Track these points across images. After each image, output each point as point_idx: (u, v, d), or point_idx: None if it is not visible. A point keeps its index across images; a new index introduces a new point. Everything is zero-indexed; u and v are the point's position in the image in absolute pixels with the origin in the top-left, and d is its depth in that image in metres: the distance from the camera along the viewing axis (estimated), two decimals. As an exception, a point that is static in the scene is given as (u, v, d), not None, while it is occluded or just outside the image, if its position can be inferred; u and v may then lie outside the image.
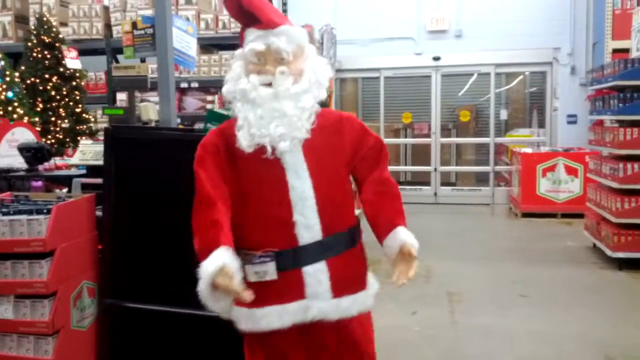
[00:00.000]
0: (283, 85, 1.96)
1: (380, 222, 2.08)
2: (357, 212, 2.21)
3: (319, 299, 1.99)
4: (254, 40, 1.99)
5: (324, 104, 2.12)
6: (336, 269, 2.01)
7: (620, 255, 5.76)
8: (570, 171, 8.54)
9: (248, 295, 1.82)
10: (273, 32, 1.99)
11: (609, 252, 5.85)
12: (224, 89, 2.06)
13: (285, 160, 1.97)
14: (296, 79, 1.99)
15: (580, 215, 7.42)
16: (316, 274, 1.99)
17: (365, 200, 2.12)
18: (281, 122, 1.94)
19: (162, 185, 2.74)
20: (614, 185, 5.82)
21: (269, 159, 1.96)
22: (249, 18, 2.01)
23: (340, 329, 2.06)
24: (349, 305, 2.04)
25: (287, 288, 1.99)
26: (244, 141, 1.95)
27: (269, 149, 1.94)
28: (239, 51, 2.08)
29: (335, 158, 2.06)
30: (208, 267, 1.81)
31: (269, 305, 1.98)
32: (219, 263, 1.81)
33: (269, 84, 1.97)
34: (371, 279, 2.18)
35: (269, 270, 1.97)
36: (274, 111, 1.95)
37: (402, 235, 2.05)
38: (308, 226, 1.97)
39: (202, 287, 1.83)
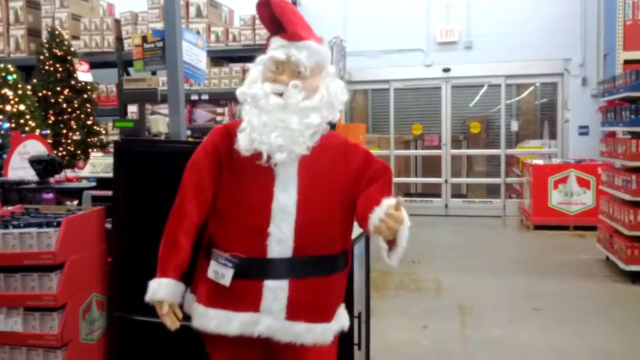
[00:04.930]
0: (293, 98, 1.96)
1: (369, 204, 1.88)
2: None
3: (270, 316, 1.96)
4: (277, 49, 2.00)
5: (332, 126, 2.11)
6: (298, 291, 1.97)
7: (634, 268, 5.69)
8: (583, 183, 8.47)
9: (173, 327, 2.00)
10: (296, 44, 1.99)
11: (622, 265, 5.79)
12: (238, 90, 2.08)
13: (278, 171, 1.97)
14: (308, 94, 1.98)
15: (592, 228, 7.34)
16: (275, 291, 1.95)
17: (359, 204, 1.99)
18: (282, 133, 1.93)
19: (171, 198, 2.73)
20: (627, 197, 5.77)
21: (263, 167, 1.96)
22: (277, 27, 2.03)
23: (295, 357, 2.02)
24: (302, 332, 1.98)
25: (244, 297, 1.98)
26: (243, 143, 1.96)
27: (265, 157, 1.93)
28: (260, 57, 2.08)
29: (333, 183, 2.02)
30: (151, 294, 2.02)
31: (222, 308, 1.99)
32: (158, 297, 2.00)
33: (280, 94, 1.97)
34: (341, 316, 2.12)
35: (226, 275, 1.97)
36: (279, 121, 1.94)
37: (387, 200, 1.83)
38: (281, 240, 1.95)
39: (147, 300, 2.04)
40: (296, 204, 1.96)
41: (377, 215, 1.82)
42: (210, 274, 2.00)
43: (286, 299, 1.96)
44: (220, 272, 1.98)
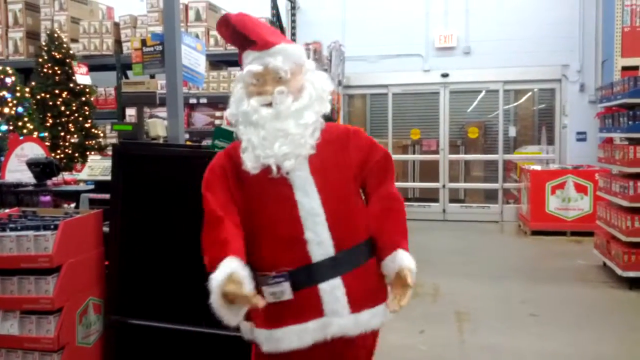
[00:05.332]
0: (283, 105, 1.97)
1: (382, 240, 2.06)
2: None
3: (337, 316, 1.98)
4: (252, 62, 2.01)
5: (329, 119, 2.12)
6: (352, 284, 2.00)
7: (631, 274, 5.69)
8: (580, 189, 8.48)
9: (260, 301, 1.82)
10: (269, 52, 2.00)
11: (619, 271, 5.79)
12: (227, 112, 2.09)
13: (292, 178, 1.97)
14: (296, 96, 1.99)
15: (590, 234, 7.35)
16: (333, 291, 1.98)
17: (370, 215, 2.10)
18: (285, 141, 1.95)
19: (169, 202, 2.73)
20: (624, 203, 5.77)
21: (276, 178, 1.96)
22: (245, 41, 2.04)
23: (358, 342, 2.05)
24: (368, 319, 2.03)
25: (305, 306, 1.98)
26: (249, 163, 1.96)
27: (275, 169, 1.94)
28: (239, 74, 2.09)
29: (343, 173, 2.05)
30: (217, 277, 1.83)
31: (288, 325, 1.97)
32: (227, 270, 1.83)
33: (269, 104, 1.98)
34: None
35: (285, 290, 1.96)
36: (277, 131, 1.95)
37: (402, 259, 2.01)
38: (320, 243, 1.97)
39: (214, 298, 1.84)
40: (321, 204, 1.98)
41: (389, 276, 2.03)
42: (269, 298, 1.96)
43: (345, 295, 1.98)
44: (278, 291, 1.96)
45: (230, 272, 1.83)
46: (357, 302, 2.00)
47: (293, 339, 1.96)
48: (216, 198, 2.01)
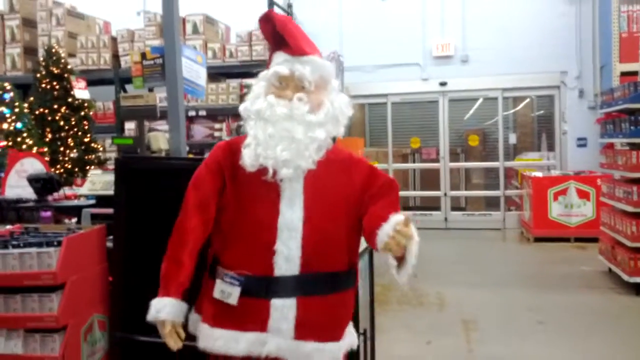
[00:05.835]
0: (299, 110, 1.95)
1: (376, 220, 1.83)
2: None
3: (279, 336, 1.92)
4: (281, 64, 1.99)
5: (334, 139, 2.09)
6: (307, 310, 1.93)
7: (637, 280, 5.65)
8: (582, 195, 8.46)
9: (175, 347, 1.96)
10: (300, 59, 1.98)
11: (625, 277, 5.75)
12: (241, 107, 2.07)
13: (284, 186, 1.95)
14: (313, 109, 1.97)
15: (593, 239, 7.32)
16: (283, 310, 1.92)
17: (367, 219, 1.95)
18: (288, 146, 1.92)
19: (173, 216, 2.69)
20: (629, 208, 5.74)
21: (269, 182, 1.94)
22: (280, 42, 2.02)
23: None
24: (311, 352, 1.94)
25: (251, 316, 1.94)
26: (248, 159, 1.94)
27: (271, 172, 1.92)
28: (263, 72, 2.07)
29: (337, 197, 2.00)
30: (154, 313, 1.98)
31: (228, 328, 1.96)
32: (161, 317, 1.96)
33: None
34: (350, 335, 2.09)
35: (233, 294, 1.94)
36: (284, 131, 1.93)
37: (397, 217, 1.77)
38: (288, 258, 1.92)
39: (149, 319, 1.99)
40: (302, 220, 1.94)
41: (385, 231, 1.76)
42: (217, 293, 1.97)
43: (294, 318, 1.92)
44: (227, 291, 1.95)
45: (163, 320, 1.96)
46: (305, 330, 1.93)
47: (228, 343, 1.94)
48: (198, 199, 2.03)
